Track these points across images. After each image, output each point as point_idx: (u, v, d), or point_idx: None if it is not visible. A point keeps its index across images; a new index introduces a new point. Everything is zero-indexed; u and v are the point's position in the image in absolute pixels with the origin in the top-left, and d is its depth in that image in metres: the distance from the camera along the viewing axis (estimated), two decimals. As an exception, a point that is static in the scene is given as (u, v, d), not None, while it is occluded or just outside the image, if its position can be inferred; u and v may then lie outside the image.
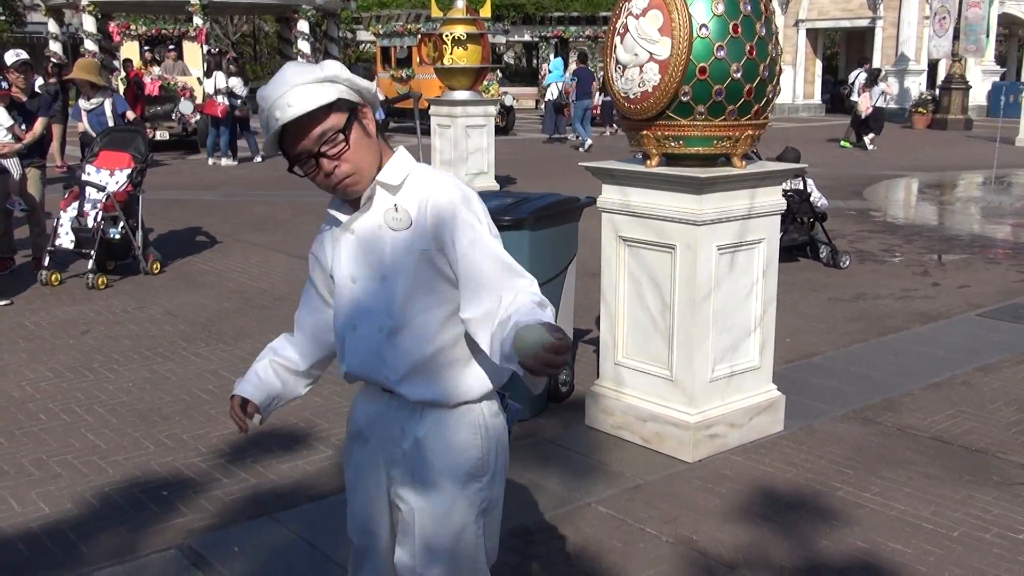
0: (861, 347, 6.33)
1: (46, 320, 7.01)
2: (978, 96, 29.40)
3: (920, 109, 28.03)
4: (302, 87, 2.10)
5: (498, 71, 23.98)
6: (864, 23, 32.75)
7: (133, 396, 5.40)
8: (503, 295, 2.12)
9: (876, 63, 32.28)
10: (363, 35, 40.14)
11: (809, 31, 34.28)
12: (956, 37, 27.29)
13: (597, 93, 22.99)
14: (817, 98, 34.76)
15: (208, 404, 5.25)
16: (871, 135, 20.96)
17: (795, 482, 4.27)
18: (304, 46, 31.90)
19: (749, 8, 4.20)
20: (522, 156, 18.46)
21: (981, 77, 30.55)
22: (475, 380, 2.29)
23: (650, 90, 4.25)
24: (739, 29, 4.16)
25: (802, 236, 8.80)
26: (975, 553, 3.64)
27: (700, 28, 4.13)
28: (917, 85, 31.21)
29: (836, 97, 35.95)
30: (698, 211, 4.31)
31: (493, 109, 13.62)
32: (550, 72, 25.11)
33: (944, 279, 8.34)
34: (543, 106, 27.02)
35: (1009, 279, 8.34)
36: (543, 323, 1.91)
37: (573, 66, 24.13)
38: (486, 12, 14.14)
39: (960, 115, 27.01)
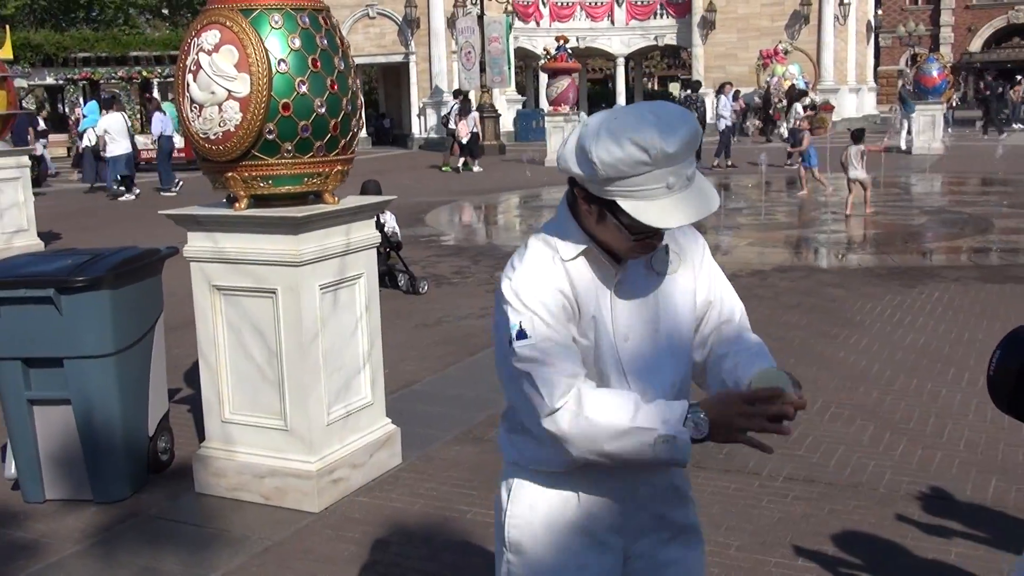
0: (455, 368, 6.53)
1: None
2: (507, 123, 32.01)
3: (460, 138, 29.90)
4: None
5: (38, 118, 21.86)
6: (399, 59, 34.35)
7: None
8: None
9: (414, 96, 34.10)
10: None
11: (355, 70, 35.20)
12: (482, 70, 29.57)
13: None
14: (363, 131, 35.83)
15: None
16: (471, 159, 23.24)
17: (424, 512, 4.26)
18: None
19: (326, 42, 4.14)
20: (63, 209, 16.95)
21: (507, 105, 33.30)
22: None
23: (232, 129, 4.03)
24: (318, 63, 4.09)
25: (381, 267, 8.91)
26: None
27: (279, 63, 4.00)
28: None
29: (380, 130, 37.43)
30: (297, 251, 4.16)
31: (27, 159, 12.34)
32: (85, 116, 23.37)
33: (514, 294, 8.87)
34: (79, 153, 25.08)
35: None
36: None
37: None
38: (7, 53, 12.77)
39: (495, 141, 29.23)
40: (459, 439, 5.16)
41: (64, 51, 34.06)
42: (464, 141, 23.22)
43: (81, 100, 31.62)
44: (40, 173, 21.24)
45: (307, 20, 4.08)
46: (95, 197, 19.66)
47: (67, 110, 34.27)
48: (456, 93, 26.28)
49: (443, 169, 23.51)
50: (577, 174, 1.90)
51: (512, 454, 2.10)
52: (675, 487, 2.13)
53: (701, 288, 2.10)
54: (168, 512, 4.39)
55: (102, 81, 33.90)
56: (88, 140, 21.46)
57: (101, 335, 4.32)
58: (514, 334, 1.91)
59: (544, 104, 29.61)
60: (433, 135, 33.20)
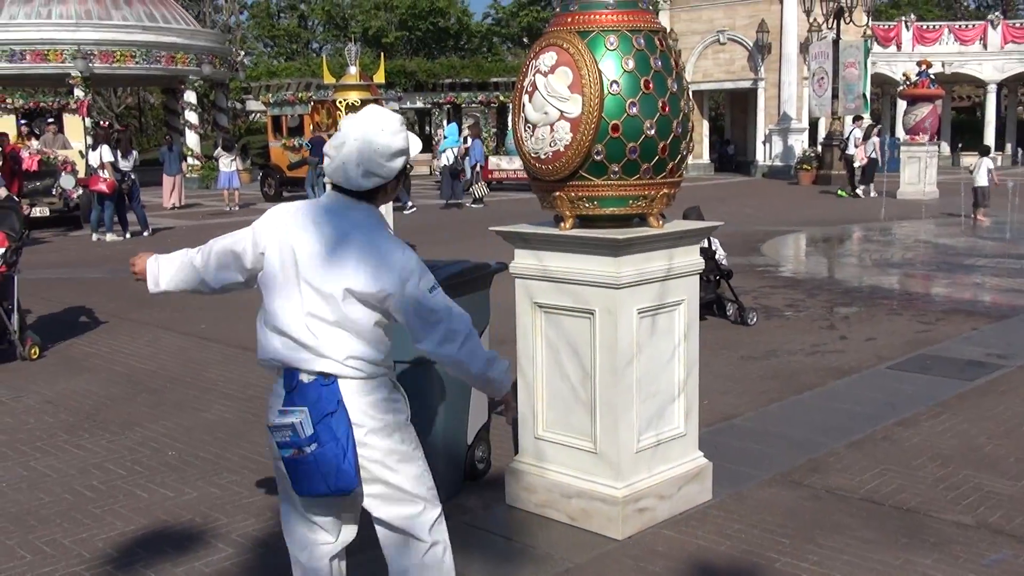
0: (778, 406, 6.22)
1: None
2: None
3: (805, 166, 28.90)
4: None
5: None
6: (747, 84, 33.83)
7: (7, 498, 4.88)
8: None
9: (760, 123, 33.38)
10: (252, 104, 39.66)
11: (695, 93, 35.21)
12: (834, 96, 28.37)
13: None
14: (705, 157, 35.60)
15: (92, 503, 4.78)
16: (862, 186, 23.33)
17: (731, 555, 4.06)
18: (192, 116, 31.37)
19: (659, 64, 4.07)
20: (419, 223, 18.24)
21: (859, 134, 31.70)
22: None
23: (562, 149, 4.07)
24: (651, 85, 4.03)
25: (709, 294, 8.75)
26: (925, 623, 3.46)
27: (611, 84, 3.98)
28: (800, 143, 32.27)
29: (723, 156, 37.01)
30: (616, 274, 4.12)
31: (390, 176, 13.37)
32: (445, 138, 25.09)
33: (851, 332, 8.36)
34: (438, 172, 26.96)
35: (913, 329, 8.42)
36: None
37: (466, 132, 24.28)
38: (380, 78, 13.96)
39: (843, 171, 27.92)
40: (776, 481, 4.89)
41: (433, 77, 36.83)
42: (858, 165, 23.58)
43: (444, 122, 33.93)
44: (404, 187, 23.04)
45: (642, 41, 4.05)
46: (450, 213, 21.01)
47: (432, 131, 37.00)
48: (856, 119, 26.27)
49: (839, 194, 23.81)
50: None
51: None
52: None
53: None
54: (479, 521, 4.51)
55: (464, 105, 36.27)
56: (446, 160, 23.00)
57: (430, 343, 4.52)
58: (431, 287, 2.94)
59: (900, 133, 27.95)
60: (778, 163, 32.32)
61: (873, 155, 23.46)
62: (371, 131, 2.93)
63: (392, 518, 3.03)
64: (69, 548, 4.27)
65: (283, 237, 2.96)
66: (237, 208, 22.40)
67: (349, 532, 3.17)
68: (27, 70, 27.88)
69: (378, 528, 3.08)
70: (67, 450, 5.60)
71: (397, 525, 3.03)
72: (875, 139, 24.15)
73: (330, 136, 3.33)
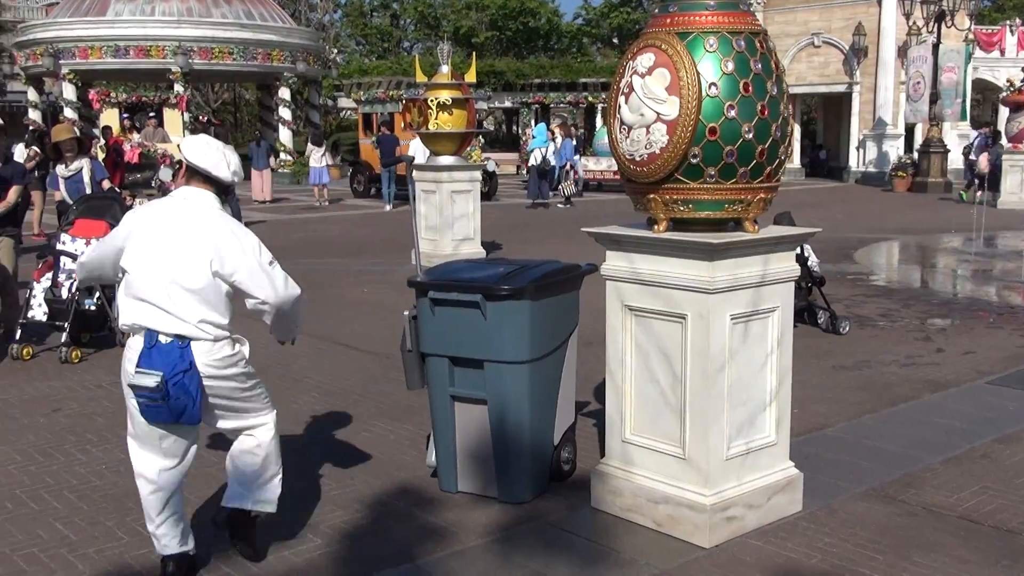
0: (872, 418, 6.07)
1: (16, 397, 6.66)
2: (955, 159, 29.60)
3: (900, 173, 28.20)
4: None
5: (480, 137, 23.96)
6: (841, 88, 33.12)
7: (107, 480, 5.05)
8: None
9: (854, 128, 32.66)
10: (344, 102, 40.26)
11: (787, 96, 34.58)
12: (932, 101, 27.60)
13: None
14: (797, 162, 34.94)
15: (187, 488, 4.88)
16: (980, 191, 22.52)
17: (822, 569, 3.97)
18: (285, 113, 31.97)
19: (760, 66, 4.01)
20: (506, 222, 18.31)
21: (957, 141, 30.82)
22: None
23: (657, 151, 4.03)
24: (750, 88, 3.97)
25: (800, 302, 8.58)
26: (1026, 649, 3.34)
27: (709, 87, 3.93)
28: (895, 149, 31.48)
29: (815, 161, 36.29)
30: (710, 278, 4.06)
31: (479, 174, 13.46)
32: (533, 137, 25.13)
33: (948, 345, 8.12)
34: (525, 171, 27.03)
35: (1014, 343, 8.13)
36: None
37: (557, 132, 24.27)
38: (471, 77, 14.04)
39: (940, 178, 27.17)
40: (869, 495, 4.77)
41: (522, 78, 36.91)
42: (982, 171, 23.10)
43: (532, 122, 34.00)
44: (491, 187, 23.19)
45: (743, 43, 3.99)
46: (536, 212, 21.03)
47: (520, 131, 37.10)
48: (984, 125, 26.08)
49: (962, 196, 23.77)
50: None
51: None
52: None
53: None
54: (564, 522, 4.49)
55: (552, 105, 36.27)
56: (534, 160, 23.03)
57: (519, 342, 4.53)
58: (270, 260, 3.83)
59: (1004, 140, 27.07)
60: (872, 169, 31.59)
61: (997, 162, 22.94)
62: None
63: (237, 428, 3.97)
64: (164, 532, 4.37)
65: (149, 223, 3.79)
66: (327, 204, 22.77)
67: (189, 456, 3.90)
68: (130, 65, 28.75)
69: (228, 436, 4.04)
70: (163, 436, 5.75)
71: (240, 428, 3.97)
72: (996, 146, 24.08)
73: (416, 133, 4.59)
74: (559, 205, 22.26)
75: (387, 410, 6.26)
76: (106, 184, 9.95)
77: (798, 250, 8.58)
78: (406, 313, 4.77)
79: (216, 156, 3.81)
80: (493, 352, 4.56)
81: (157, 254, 3.68)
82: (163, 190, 19.12)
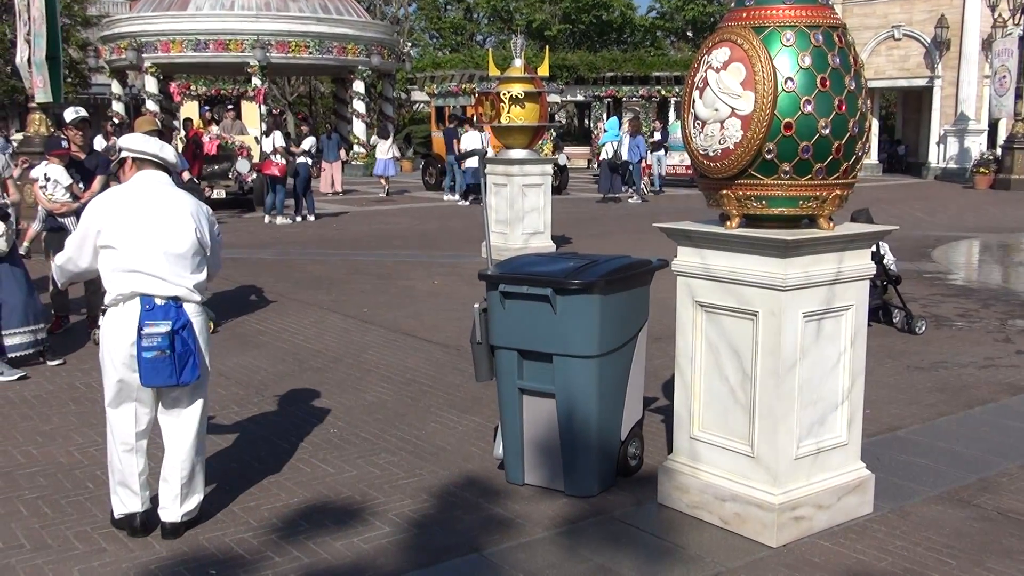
0: (947, 420, 5.95)
1: (98, 382, 6.82)
2: (1042, 155, 28.70)
3: (982, 169, 27.47)
4: None
5: (553, 131, 23.92)
6: (922, 82, 32.35)
7: (183, 463, 5.18)
8: None
9: (934, 123, 31.88)
10: (417, 95, 40.56)
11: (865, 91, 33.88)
12: (1018, 96, 26.81)
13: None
14: (874, 157, 34.24)
15: (259, 473, 5.01)
16: None
17: (892, 572, 3.91)
18: (359, 106, 32.33)
19: (838, 60, 3.95)
20: (576, 216, 18.27)
21: (1045, 136, 29.90)
22: None
23: (731, 147, 4.00)
24: (827, 83, 3.91)
25: (875, 300, 8.42)
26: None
27: (785, 82, 3.89)
28: (978, 145, 30.65)
29: (893, 157, 35.52)
30: (783, 275, 4.02)
31: (550, 168, 13.45)
32: (605, 131, 25.04)
33: (1028, 347, 7.91)
34: (596, 165, 26.92)
35: (1098, 347, 7.89)
36: None
37: (625, 126, 24.14)
38: (544, 71, 14.04)
39: (1022, 175, 26.38)
40: (943, 498, 4.68)
41: (595, 71, 36.75)
42: None
43: (604, 116, 33.86)
44: (562, 181, 23.16)
45: (820, 38, 3.93)
46: (607, 207, 20.96)
47: (592, 125, 36.97)
48: None
49: None
50: None
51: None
52: None
53: None
54: (630, 517, 4.49)
55: (624, 99, 36.07)
56: (605, 154, 22.94)
57: (588, 336, 4.54)
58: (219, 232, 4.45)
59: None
60: (952, 165, 30.81)
61: None
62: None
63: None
64: (238, 515, 4.49)
65: (121, 206, 4.18)
66: (384, 196, 22.87)
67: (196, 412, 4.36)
68: (210, 59, 29.33)
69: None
70: (237, 421, 5.89)
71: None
72: None
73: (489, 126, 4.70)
74: (630, 200, 22.14)
75: (456, 401, 6.31)
76: (186, 175, 10.18)
77: (874, 248, 8.45)
78: (476, 306, 4.81)
79: (156, 143, 4.35)
80: (562, 346, 4.57)
81: (143, 227, 4.11)
82: (240, 182, 19.52)
